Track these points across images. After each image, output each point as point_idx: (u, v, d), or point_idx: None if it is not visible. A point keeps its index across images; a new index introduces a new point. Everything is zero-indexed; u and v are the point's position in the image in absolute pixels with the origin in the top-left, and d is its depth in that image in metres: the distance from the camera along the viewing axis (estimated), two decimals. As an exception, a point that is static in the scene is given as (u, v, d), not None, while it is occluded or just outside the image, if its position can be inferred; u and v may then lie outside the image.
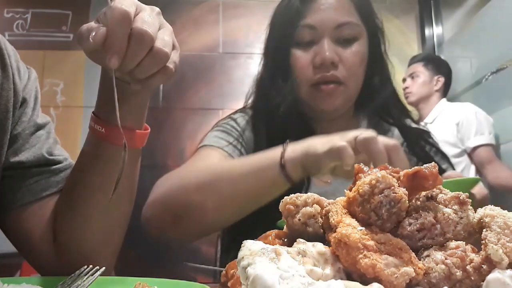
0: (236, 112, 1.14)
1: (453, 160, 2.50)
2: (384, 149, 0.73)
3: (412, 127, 1.11)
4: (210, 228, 0.97)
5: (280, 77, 1.04)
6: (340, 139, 0.76)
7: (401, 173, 0.39)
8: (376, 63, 1.08)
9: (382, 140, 0.74)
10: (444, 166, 1.06)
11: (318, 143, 0.79)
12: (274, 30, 1.09)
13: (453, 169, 1.09)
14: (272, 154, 0.84)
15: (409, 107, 2.83)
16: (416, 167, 0.40)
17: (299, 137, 0.98)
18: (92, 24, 0.56)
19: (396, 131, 1.11)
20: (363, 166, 0.41)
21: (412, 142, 1.07)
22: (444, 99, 2.69)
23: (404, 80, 2.80)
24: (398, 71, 3.10)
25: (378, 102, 1.09)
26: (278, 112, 1.02)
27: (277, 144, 0.92)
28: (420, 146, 1.08)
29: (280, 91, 1.03)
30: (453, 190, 0.41)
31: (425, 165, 0.39)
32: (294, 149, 0.82)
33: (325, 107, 1.03)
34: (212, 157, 1.00)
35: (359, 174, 0.41)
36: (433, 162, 0.40)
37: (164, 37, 0.57)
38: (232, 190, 0.85)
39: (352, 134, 0.77)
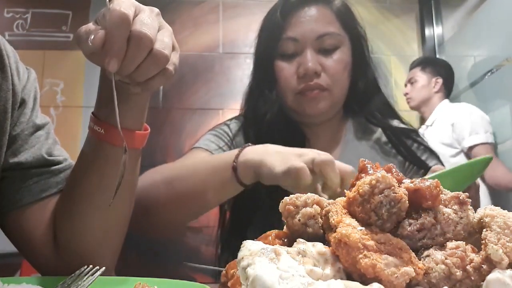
0: (232, 118, 1.19)
1: (450, 160, 2.51)
2: (339, 173, 0.75)
3: (397, 126, 1.15)
4: (175, 222, 1.02)
5: (267, 88, 1.10)
6: (297, 159, 0.78)
7: (403, 185, 0.39)
8: (361, 68, 1.12)
9: (338, 164, 0.77)
10: (432, 163, 1.08)
11: (275, 161, 0.79)
12: (260, 43, 1.14)
13: (443, 166, 1.11)
14: (229, 155, 0.86)
15: (413, 111, 2.85)
16: (418, 183, 0.39)
17: (289, 142, 1.04)
18: (91, 26, 0.56)
19: (380, 131, 1.15)
20: (367, 165, 0.41)
21: (397, 142, 1.11)
22: (445, 100, 2.70)
23: (405, 85, 2.82)
24: (398, 71, 3.11)
25: (364, 104, 1.14)
26: (265, 119, 1.07)
27: None
28: (405, 145, 1.11)
29: (267, 100, 1.09)
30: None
31: (427, 182, 0.39)
32: (250, 154, 0.83)
33: (310, 111, 1.07)
34: (198, 158, 1.04)
35: (361, 174, 0.40)
36: (436, 181, 0.39)
37: (164, 38, 0.57)
38: (190, 187, 0.89)
39: (310, 155, 0.78)
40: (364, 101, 1.14)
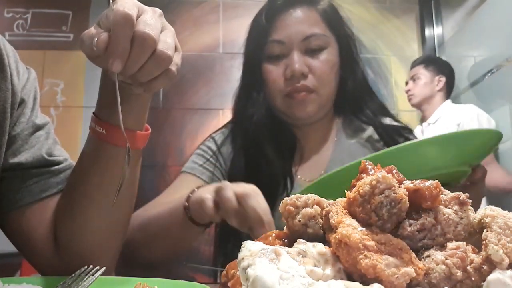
0: (218, 129, 1.19)
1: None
2: (233, 195, 0.74)
3: (388, 124, 1.15)
4: (156, 259, 1.00)
5: (255, 91, 1.11)
6: (207, 190, 0.78)
7: (403, 186, 0.39)
8: (349, 68, 1.13)
9: (236, 187, 0.75)
10: None
11: (204, 191, 0.79)
12: (248, 47, 1.16)
13: None
14: (181, 197, 0.85)
15: (414, 112, 2.83)
16: (418, 184, 0.39)
17: (280, 143, 1.07)
18: (93, 30, 0.56)
19: (371, 129, 1.15)
20: (368, 166, 0.41)
21: (388, 139, 1.11)
22: (448, 100, 2.71)
23: (406, 83, 2.82)
24: (398, 71, 3.11)
25: (354, 103, 1.15)
26: (252, 121, 1.08)
27: (254, 153, 1.04)
28: (397, 143, 1.10)
29: (255, 103, 1.10)
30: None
31: (427, 183, 0.39)
32: (197, 194, 0.82)
33: (299, 114, 1.07)
34: (183, 184, 1.06)
35: (362, 174, 0.40)
36: (436, 182, 0.39)
37: (167, 39, 0.57)
38: (156, 230, 0.91)
39: (213, 188, 0.78)
40: (354, 100, 1.14)
